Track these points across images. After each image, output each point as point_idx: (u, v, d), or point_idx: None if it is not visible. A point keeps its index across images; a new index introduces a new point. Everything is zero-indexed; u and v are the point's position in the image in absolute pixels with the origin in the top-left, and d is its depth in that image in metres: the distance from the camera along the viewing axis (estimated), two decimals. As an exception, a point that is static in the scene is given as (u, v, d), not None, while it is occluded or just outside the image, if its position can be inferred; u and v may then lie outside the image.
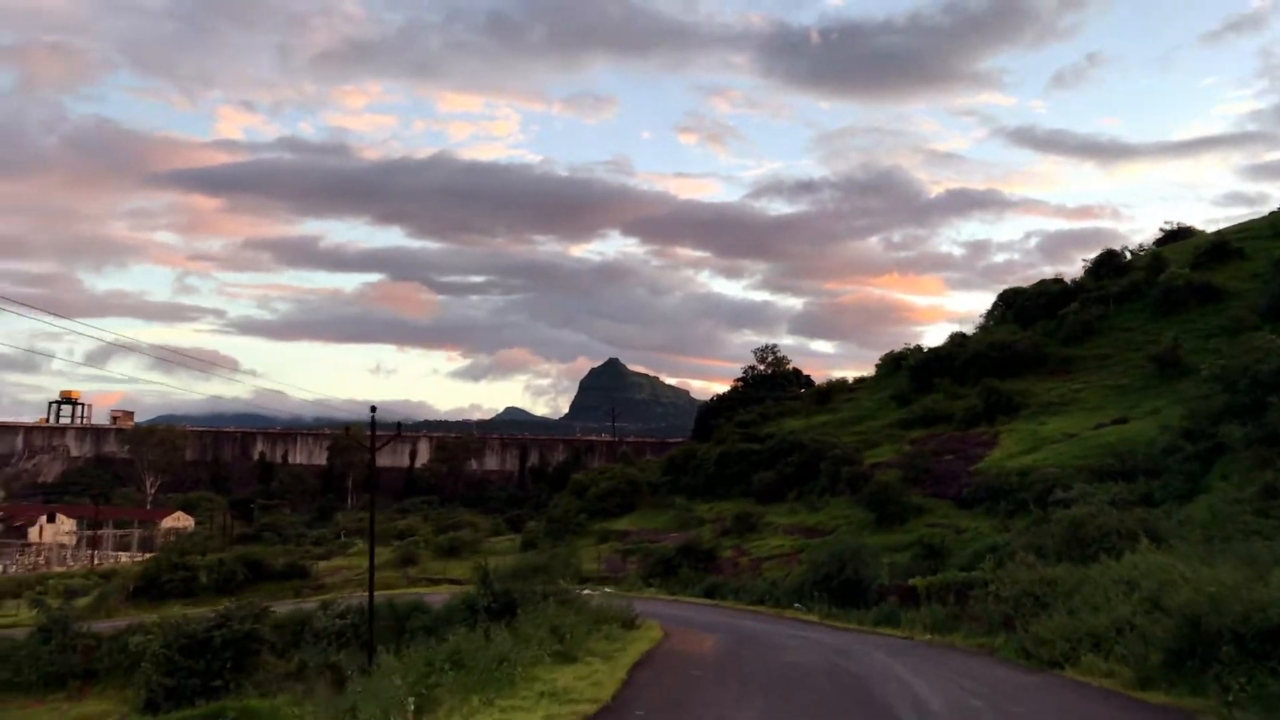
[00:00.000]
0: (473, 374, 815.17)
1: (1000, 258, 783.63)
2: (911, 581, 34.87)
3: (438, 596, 41.60)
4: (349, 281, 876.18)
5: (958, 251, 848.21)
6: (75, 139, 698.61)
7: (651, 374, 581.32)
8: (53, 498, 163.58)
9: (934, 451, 60.59)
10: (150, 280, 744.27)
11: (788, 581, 43.04)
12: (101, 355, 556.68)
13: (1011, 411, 63.23)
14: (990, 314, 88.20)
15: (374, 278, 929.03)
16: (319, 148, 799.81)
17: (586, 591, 47.61)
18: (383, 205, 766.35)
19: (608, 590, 47.62)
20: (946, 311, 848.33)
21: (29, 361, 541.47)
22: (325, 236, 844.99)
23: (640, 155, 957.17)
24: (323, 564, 62.67)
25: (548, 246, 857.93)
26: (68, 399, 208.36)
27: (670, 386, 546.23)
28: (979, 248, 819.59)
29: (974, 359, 72.84)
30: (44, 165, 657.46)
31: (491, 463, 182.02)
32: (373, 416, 29.35)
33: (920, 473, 57.43)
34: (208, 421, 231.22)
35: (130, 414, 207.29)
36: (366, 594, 37.09)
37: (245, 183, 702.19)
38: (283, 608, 39.24)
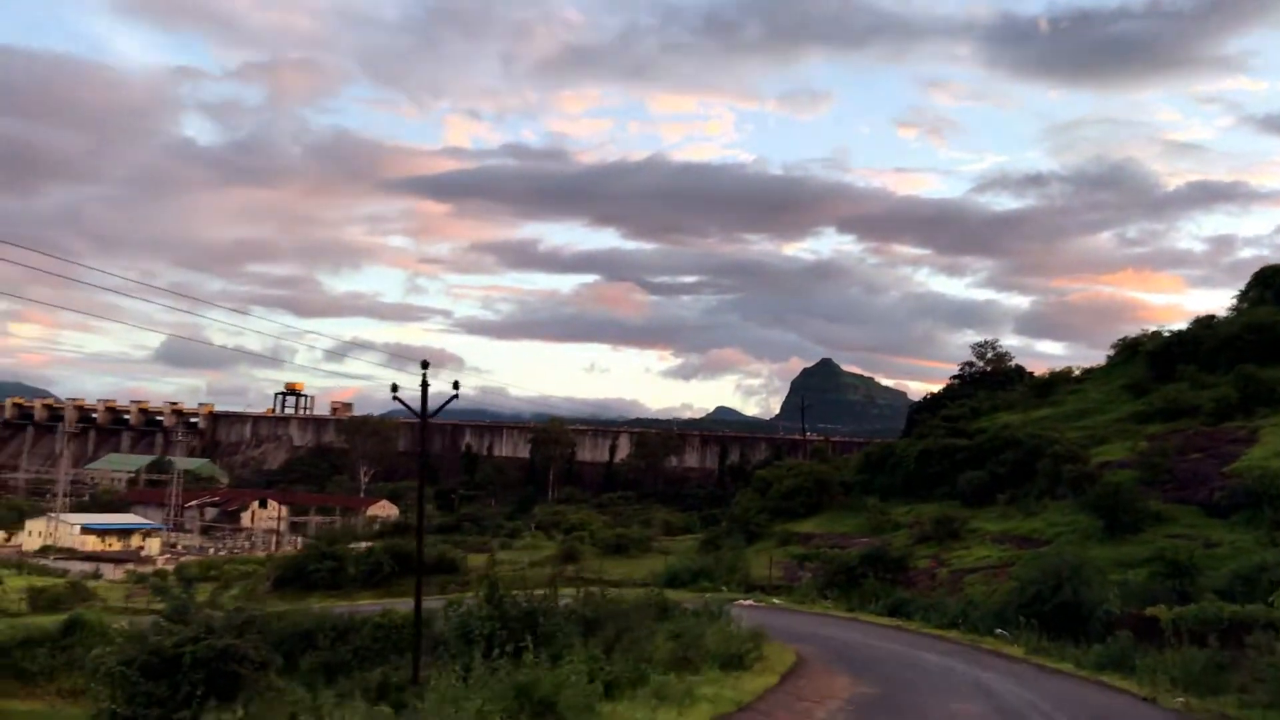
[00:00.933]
0: (683, 373, 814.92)
1: (1247, 253, 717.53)
2: (1151, 611, 26.76)
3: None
4: (566, 283, 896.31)
5: (1198, 247, 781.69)
6: (317, 149, 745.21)
7: (866, 375, 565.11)
8: (275, 484, 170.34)
9: (1177, 449, 50.57)
10: (383, 282, 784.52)
11: (991, 601, 35.29)
12: (339, 352, 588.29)
13: (1273, 403, 52.64)
14: (1244, 294, 75.52)
15: (589, 279, 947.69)
16: (539, 153, 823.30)
17: (743, 602, 41.63)
18: (598, 208, 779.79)
19: (775, 601, 41.19)
20: (1185, 311, 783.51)
21: (275, 357, 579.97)
22: (544, 239, 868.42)
23: (856, 151, 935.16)
24: (486, 556, 59.02)
25: (760, 246, 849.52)
26: (292, 391, 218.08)
27: (886, 388, 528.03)
28: (1223, 243, 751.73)
29: (1226, 343, 61.67)
30: (289, 174, 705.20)
31: (691, 460, 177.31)
32: (424, 375, 23.99)
33: (1159, 474, 47.76)
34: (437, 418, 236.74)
35: (349, 405, 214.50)
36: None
37: (471, 188, 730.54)
38: (403, 606, 35.04)
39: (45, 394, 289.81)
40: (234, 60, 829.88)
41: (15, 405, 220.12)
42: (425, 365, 23.93)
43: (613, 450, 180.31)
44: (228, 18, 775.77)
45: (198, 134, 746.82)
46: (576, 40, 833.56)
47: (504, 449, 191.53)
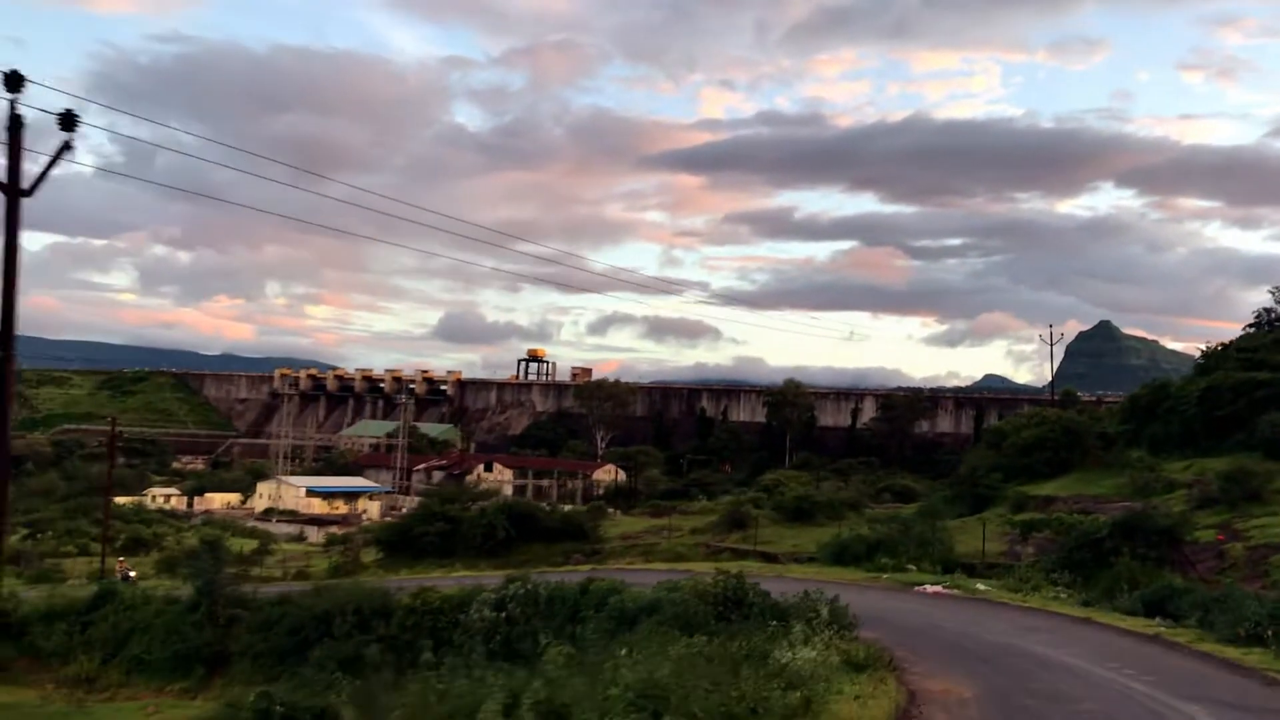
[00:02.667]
0: (948, 340, 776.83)
1: None
2: None
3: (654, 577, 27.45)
4: (822, 250, 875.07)
5: None
6: (577, 129, 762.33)
7: (1151, 338, 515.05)
8: (516, 449, 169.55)
9: None
10: (641, 257, 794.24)
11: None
12: (601, 325, 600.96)
13: None
14: None
15: (847, 245, 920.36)
16: (794, 120, 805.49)
17: (929, 588, 30.39)
18: (856, 172, 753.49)
19: (980, 587, 29.49)
20: None
21: (542, 332, 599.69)
22: (800, 207, 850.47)
23: (1136, 99, 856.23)
24: (643, 523, 50.51)
25: (1030, 204, 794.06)
26: (534, 357, 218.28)
27: (1173, 351, 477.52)
28: None
29: None
30: (552, 155, 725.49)
31: (945, 424, 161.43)
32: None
33: None
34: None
35: (589, 370, 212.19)
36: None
37: (725, 160, 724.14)
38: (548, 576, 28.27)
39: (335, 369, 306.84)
40: (499, 47, 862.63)
41: (309, 377, 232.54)
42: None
43: (855, 414, 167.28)
44: (492, 6, 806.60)
45: (467, 120, 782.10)
46: (831, 2, 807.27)
47: (741, 413, 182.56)
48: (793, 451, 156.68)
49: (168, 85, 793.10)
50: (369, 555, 48.17)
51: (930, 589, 28.67)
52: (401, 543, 46.30)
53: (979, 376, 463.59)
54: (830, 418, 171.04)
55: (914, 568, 33.31)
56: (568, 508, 79.58)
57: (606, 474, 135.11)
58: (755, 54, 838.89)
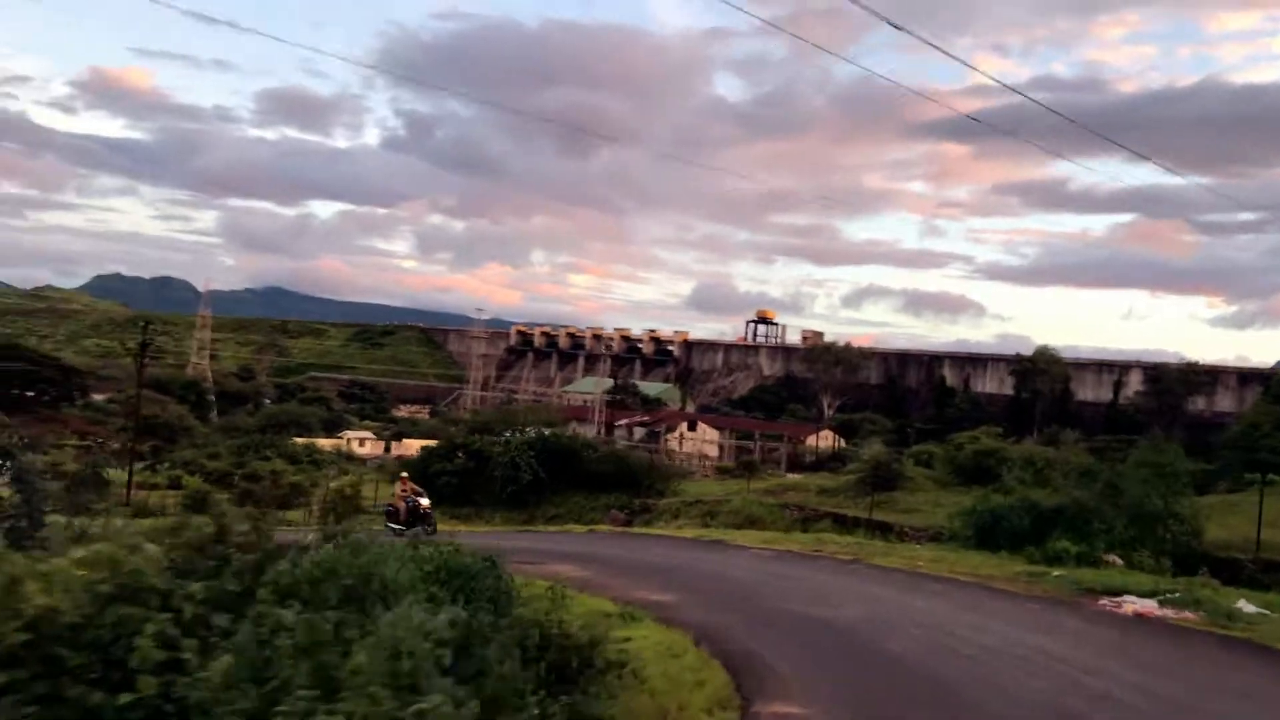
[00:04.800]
0: (1237, 321, 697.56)
1: None
2: None
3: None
4: (1098, 223, 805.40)
5: None
6: (839, 98, 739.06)
7: None
8: (739, 412, 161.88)
9: None
10: (901, 228, 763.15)
11: None
12: (856, 298, 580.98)
13: None
14: None
15: (1125, 218, 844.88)
16: (1071, 85, 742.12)
17: (1133, 604, 18.16)
18: (1138, 140, 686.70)
19: (1244, 610, 17.70)
20: None
21: (795, 304, 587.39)
22: (1074, 177, 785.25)
23: None
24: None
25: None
26: (763, 319, 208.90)
27: None
28: None
29: None
30: (811, 124, 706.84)
31: (1225, 402, 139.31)
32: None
33: None
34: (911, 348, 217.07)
35: (820, 334, 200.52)
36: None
37: (995, 128, 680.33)
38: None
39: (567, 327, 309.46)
40: (761, 15, 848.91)
41: (543, 334, 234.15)
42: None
43: (1118, 387, 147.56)
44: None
45: (727, 91, 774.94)
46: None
47: (986, 384, 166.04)
48: (1042, 426, 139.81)
49: (446, 61, 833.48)
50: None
51: (1133, 606, 17.22)
52: (420, 483, 37.99)
53: (1272, 361, 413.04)
54: (1089, 391, 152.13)
55: (1117, 560, 21.92)
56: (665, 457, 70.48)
57: (824, 440, 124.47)
58: (1031, 16, 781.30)
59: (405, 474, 31.48)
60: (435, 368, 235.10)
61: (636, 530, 28.98)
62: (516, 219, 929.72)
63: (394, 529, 26.97)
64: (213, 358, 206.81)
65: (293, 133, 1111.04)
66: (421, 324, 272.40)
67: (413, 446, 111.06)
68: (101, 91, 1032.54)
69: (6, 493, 17.19)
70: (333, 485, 35.71)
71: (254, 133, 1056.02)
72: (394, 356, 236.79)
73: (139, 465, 58.59)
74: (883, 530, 30.06)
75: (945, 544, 25.15)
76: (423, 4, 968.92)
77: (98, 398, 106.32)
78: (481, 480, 34.98)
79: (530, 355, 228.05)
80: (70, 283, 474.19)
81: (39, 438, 64.98)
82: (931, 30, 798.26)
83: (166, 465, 59.93)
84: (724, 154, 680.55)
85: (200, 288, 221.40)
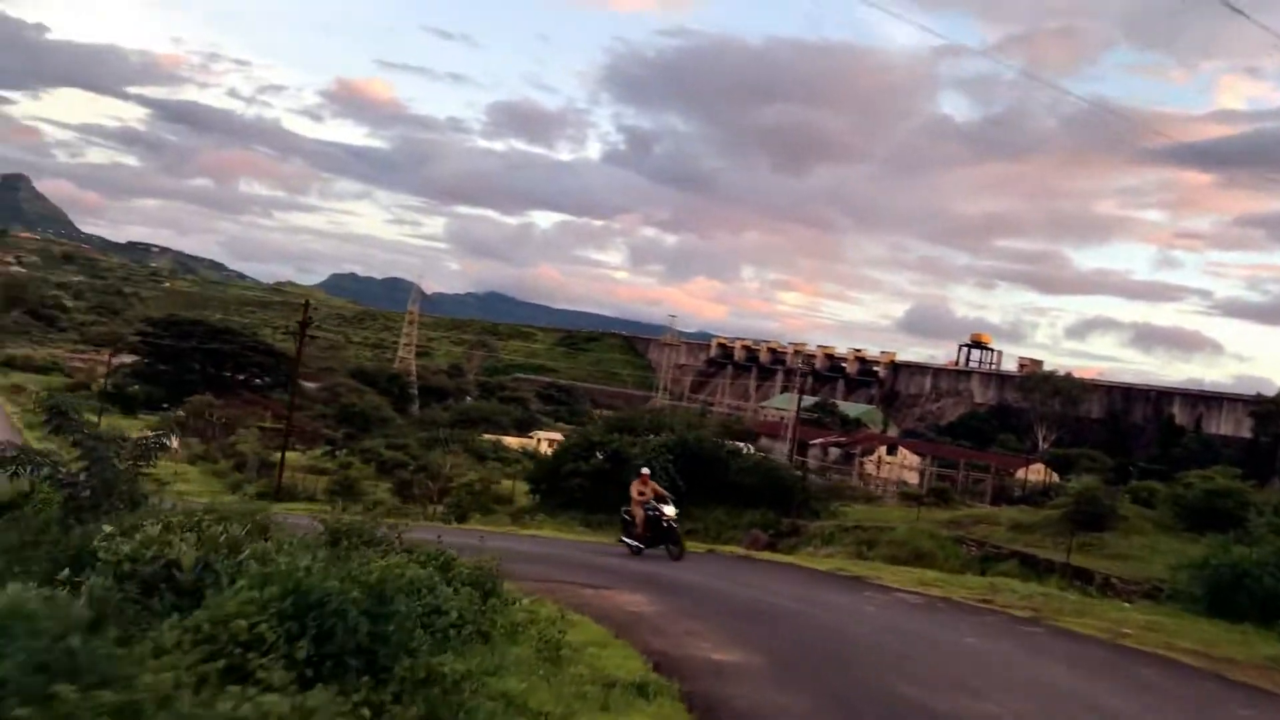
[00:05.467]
0: None
1: None
2: None
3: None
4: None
5: None
6: (1072, 120, 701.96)
7: None
8: (944, 439, 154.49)
9: None
10: (1133, 258, 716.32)
11: None
12: (1081, 329, 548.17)
13: None
14: None
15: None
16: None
17: None
18: None
19: None
20: None
21: (1014, 332, 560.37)
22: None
23: None
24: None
25: None
26: (977, 343, 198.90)
27: None
28: None
29: None
30: (1041, 147, 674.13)
31: None
32: None
33: None
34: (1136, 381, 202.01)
35: (1039, 363, 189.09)
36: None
37: (1242, 155, 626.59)
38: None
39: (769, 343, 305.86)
40: (994, 35, 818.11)
41: (744, 348, 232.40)
42: None
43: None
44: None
45: (953, 110, 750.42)
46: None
47: (1221, 425, 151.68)
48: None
49: (669, 78, 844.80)
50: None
51: None
52: (551, 484, 35.69)
53: None
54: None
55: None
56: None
57: (1035, 473, 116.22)
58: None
59: (646, 470, 24.15)
60: (634, 376, 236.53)
61: (766, 556, 24.76)
62: (727, 234, 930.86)
63: (630, 545, 22.03)
64: (425, 354, 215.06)
65: (520, 144, 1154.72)
66: (625, 333, 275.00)
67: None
68: (346, 101, 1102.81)
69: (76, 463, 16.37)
70: (462, 480, 34.27)
71: (483, 144, 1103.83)
72: (596, 363, 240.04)
73: (320, 450, 59.78)
74: (1082, 579, 25.23)
75: (1164, 605, 19.85)
76: (649, 21, 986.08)
77: (309, 385, 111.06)
78: (616, 485, 31.78)
79: (729, 369, 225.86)
80: (309, 280, 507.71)
81: (238, 418, 67.74)
82: (1174, 52, 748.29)
83: (344, 451, 60.86)
84: (947, 175, 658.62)
85: (425, 289, 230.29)
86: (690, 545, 24.29)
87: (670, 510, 21.76)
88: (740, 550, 24.96)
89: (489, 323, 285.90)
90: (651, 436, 32.02)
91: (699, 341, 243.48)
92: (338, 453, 59.63)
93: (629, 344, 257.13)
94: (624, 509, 22.79)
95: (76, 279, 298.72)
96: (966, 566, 24.39)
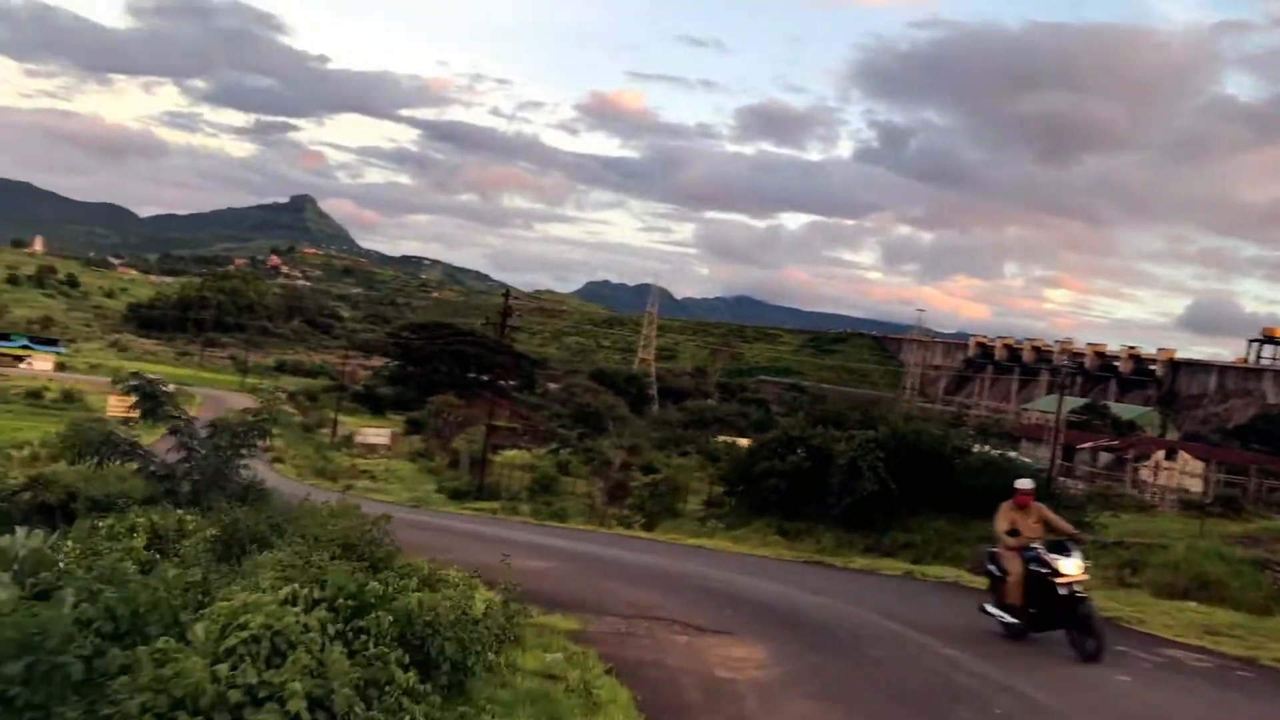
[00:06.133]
0: None
1: None
2: None
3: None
4: None
5: None
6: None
7: None
8: (1233, 443, 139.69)
9: None
10: None
11: None
12: None
13: None
14: None
15: None
16: None
17: None
18: None
19: None
20: None
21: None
22: None
23: None
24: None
25: None
26: (1270, 338, 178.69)
27: None
28: None
29: None
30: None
31: None
32: None
33: None
34: None
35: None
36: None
37: None
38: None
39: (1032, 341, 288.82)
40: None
41: (1005, 347, 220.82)
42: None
43: None
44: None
45: (1237, 90, 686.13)
46: None
47: None
48: None
49: (923, 70, 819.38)
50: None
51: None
52: (747, 486, 31.12)
53: None
54: None
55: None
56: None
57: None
58: None
59: (1027, 485, 13.34)
60: (886, 378, 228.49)
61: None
62: (987, 230, 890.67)
63: (1000, 619, 12.75)
64: (670, 357, 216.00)
65: (768, 147, 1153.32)
66: (876, 333, 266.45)
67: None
68: (600, 113, 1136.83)
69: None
70: (646, 478, 31.78)
71: (732, 148, 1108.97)
72: (844, 364, 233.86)
73: (546, 448, 59.44)
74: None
75: None
76: (900, 14, 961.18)
77: (552, 386, 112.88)
78: (818, 487, 28.03)
79: (989, 369, 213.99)
80: (565, 288, 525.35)
81: (473, 417, 68.65)
82: None
83: (566, 450, 60.32)
84: (1230, 160, 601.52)
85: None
86: (890, 565, 20.03)
87: (1074, 566, 11.97)
88: (950, 575, 18.85)
89: (734, 325, 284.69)
90: (861, 431, 27.94)
91: (956, 340, 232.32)
92: (561, 451, 59.14)
93: (879, 344, 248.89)
94: (987, 551, 13.55)
95: (354, 290, 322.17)
96: (1273, 601, 17.40)
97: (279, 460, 51.51)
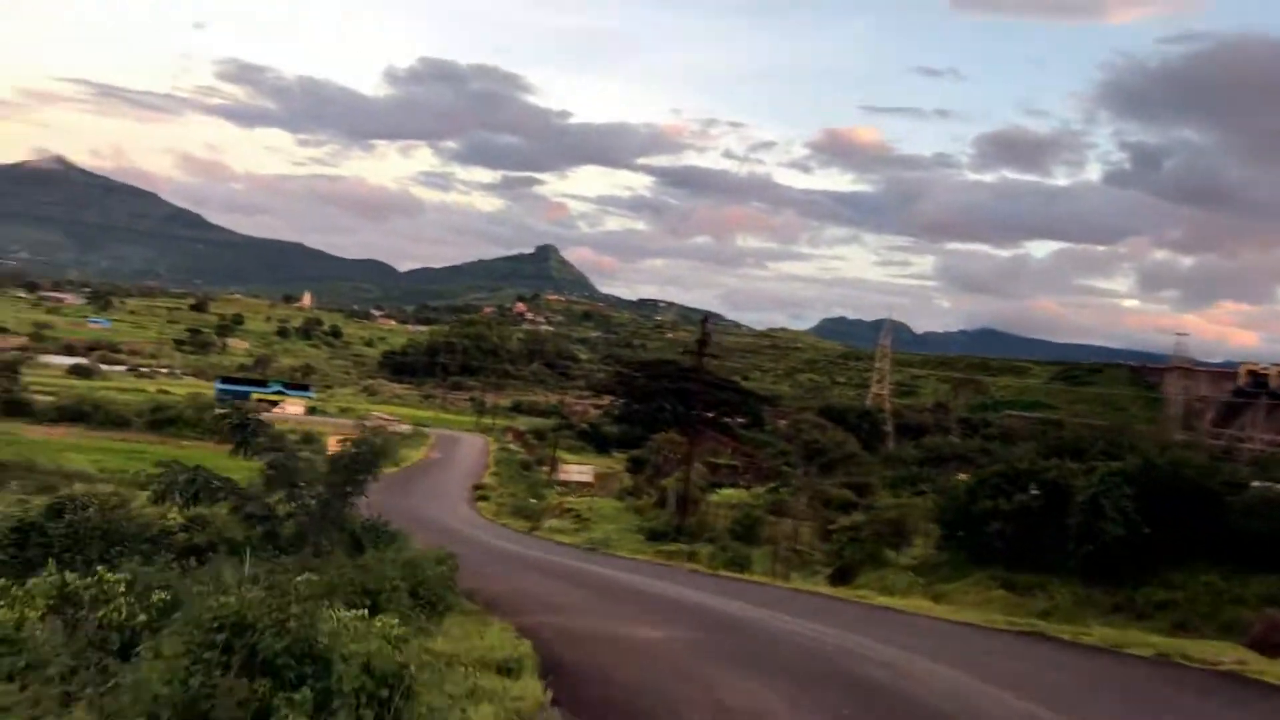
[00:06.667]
0: None
1: None
2: None
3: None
4: None
5: None
6: None
7: None
8: None
9: None
10: None
11: None
12: None
13: None
14: None
15: None
16: None
17: None
18: None
19: None
20: None
21: None
22: None
23: None
24: None
25: None
26: None
27: None
28: None
29: None
30: None
31: None
32: None
33: None
34: None
35: None
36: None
37: None
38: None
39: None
40: None
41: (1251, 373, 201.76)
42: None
43: None
44: None
45: None
46: None
47: None
48: None
49: (1177, 86, 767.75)
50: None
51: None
52: (966, 530, 26.80)
53: None
54: None
55: None
56: None
57: None
58: None
59: None
60: (1146, 410, 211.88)
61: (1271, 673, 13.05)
62: (1255, 252, 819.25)
63: None
64: (909, 392, 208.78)
65: (1010, 174, 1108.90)
66: (1133, 364, 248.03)
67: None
68: (832, 150, 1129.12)
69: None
70: (849, 519, 28.88)
71: (972, 176, 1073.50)
72: (1099, 397, 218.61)
73: (765, 486, 57.67)
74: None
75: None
76: (1149, 29, 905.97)
77: (780, 423, 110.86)
78: (1052, 531, 23.92)
79: (1263, 399, 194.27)
80: (800, 325, 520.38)
81: (690, 454, 67.77)
82: None
83: (776, 487, 58.23)
84: None
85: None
86: (1137, 640, 15.43)
87: None
88: (1227, 662, 13.49)
89: (977, 358, 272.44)
90: (1104, 463, 23.76)
91: (1224, 370, 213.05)
92: (780, 490, 57.26)
93: (1137, 375, 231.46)
94: None
95: (593, 334, 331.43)
96: None
97: (484, 498, 52.17)
